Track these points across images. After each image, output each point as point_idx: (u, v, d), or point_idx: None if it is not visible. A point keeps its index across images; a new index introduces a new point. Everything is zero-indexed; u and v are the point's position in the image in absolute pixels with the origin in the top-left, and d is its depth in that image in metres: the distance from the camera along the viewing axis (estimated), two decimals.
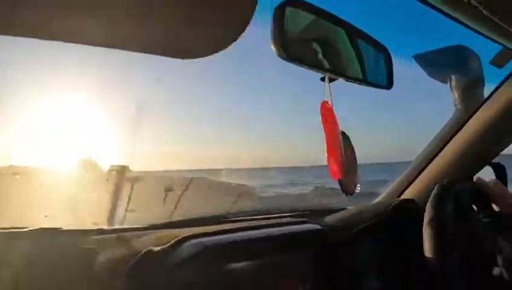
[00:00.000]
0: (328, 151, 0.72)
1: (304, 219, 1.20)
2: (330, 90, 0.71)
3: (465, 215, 1.00)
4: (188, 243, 0.92)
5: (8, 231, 0.89)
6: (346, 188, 0.76)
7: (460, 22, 0.96)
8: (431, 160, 1.37)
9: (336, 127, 0.73)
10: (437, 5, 0.86)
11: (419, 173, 1.40)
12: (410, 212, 1.17)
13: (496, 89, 1.27)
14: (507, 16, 0.90)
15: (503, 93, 1.25)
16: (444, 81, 1.36)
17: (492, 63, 1.18)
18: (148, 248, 0.87)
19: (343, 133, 0.76)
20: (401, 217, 1.16)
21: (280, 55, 0.60)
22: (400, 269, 1.17)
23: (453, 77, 1.34)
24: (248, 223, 1.16)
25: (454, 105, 1.35)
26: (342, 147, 0.73)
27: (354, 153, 0.79)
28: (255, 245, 1.02)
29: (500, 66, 1.20)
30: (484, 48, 1.29)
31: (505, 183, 1.37)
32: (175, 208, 1.89)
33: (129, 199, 1.58)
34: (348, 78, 0.73)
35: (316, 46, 0.67)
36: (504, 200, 1.08)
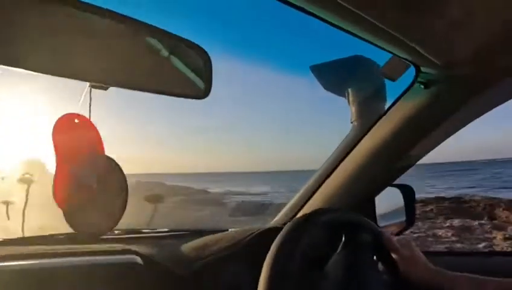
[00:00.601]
0: (59, 172, 0.57)
1: (132, 249, 1.03)
2: (90, 100, 0.56)
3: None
4: None
5: None
6: (78, 227, 0.60)
7: (347, 32, 0.85)
8: (324, 181, 1.23)
9: (89, 146, 0.58)
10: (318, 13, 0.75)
11: (313, 194, 1.26)
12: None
13: (394, 103, 1.14)
14: (397, 21, 0.80)
15: (400, 109, 1.12)
16: (341, 94, 1.23)
17: (383, 74, 1.04)
18: None
19: (109, 159, 0.61)
20: (262, 246, 1.00)
21: None
22: None
23: (350, 90, 1.21)
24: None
25: (351, 122, 1.21)
26: (89, 174, 0.58)
27: (123, 194, 0.64)
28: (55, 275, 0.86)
29: (393, 79, 1.06)
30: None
31: (414, 205, 1.25)
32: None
33: None
34: (125, 87, 0.59)
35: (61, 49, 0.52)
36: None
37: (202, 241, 1.13)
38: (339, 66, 1.22)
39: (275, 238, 0.86)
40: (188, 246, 1.11)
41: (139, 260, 0.97)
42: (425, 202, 12.46)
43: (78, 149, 0.59)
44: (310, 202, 1.27)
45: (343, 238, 0.94)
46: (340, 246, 0.94)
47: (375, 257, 0.98)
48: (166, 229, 1.28)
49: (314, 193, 1.26)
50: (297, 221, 0.85)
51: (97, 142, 0.61)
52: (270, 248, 0.85)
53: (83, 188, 0.60)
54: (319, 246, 1.04)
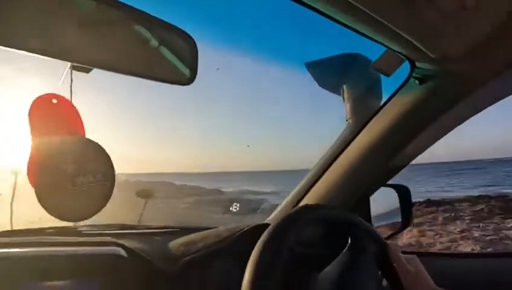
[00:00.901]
0: (34, 155, 0.54)
1: (116, 242, 1.01)
2: (71, 81, 0.54)
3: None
4: None
5: None
6: (52, 211, 0.58)
7: (342, 24, 0.83)
8: (318, 179, 1.20)
9: (67, 128, 0.56)
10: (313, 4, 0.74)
11: (307, 193, 1.24)
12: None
13: (389, 99, 1.12)
14: (393, 15, 0.79)
15: (395, 105, 1.10)
16: (336, 91, 1.21)
17: (376, 68, 1.02)
18: None
19: (91, 142, 0.59)
20: (250, 243, 0.97)
21: None
22: None
23: (345, 87, 1.19)
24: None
25: (346, 119, 1.19)
26: (66, 158, 0.56)
27: (111, 179, 0.61)
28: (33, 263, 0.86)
29: (387, 74, 1.04)
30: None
31: (410, 206, 1.23)
32: None
33: None
34: (107, 68, 0.57)
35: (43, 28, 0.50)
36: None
37: (189, 238, 1.11)
38: (333, 63, 1.20)
39: (261, 235, 0.84)
40: (175, 243, 1.09)
41: (122, 252, 0.95)
42: (472, 201, 12.15)
43: (54, 130, 0.56)
44: (304, 200, 1.24)
45: (349, 241, 0.91)
46: (346, 248, 0.91)
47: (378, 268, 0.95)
48: (156, 225, 1.26)
49: (308, 191, 1.24)
50: (285, 216, 0.82)
51: (77, 123, 0.59)
52: (255, 244, 0.82)
53: (58, 171, 0.57)
54: (308, 243, 1.01)
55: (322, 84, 1.21)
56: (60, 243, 0.95)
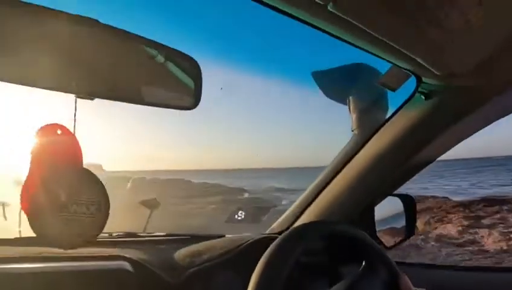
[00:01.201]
0: (29, 179, 0.57)
1: (122, 255, 1.03)
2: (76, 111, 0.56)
3: None
4: None
5: None
6: (40, 233, 0.60)
7: (349, 43, 0.85)
8: (322, 190, 1.22)
9: (66, 159, 0.58)
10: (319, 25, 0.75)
11: (311, 203, 1.25)
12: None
13: (394, 113, 1.12)
14: (398, 34, 0.80)
15: (401, 119, 1.11)
16: (342, 102, 1.21)
17: (382, 83, 1.03)
18: None
19: (88, 173, 0.61)
20: (256, 256, 0.99)
21: None
22: None
23: (351, 98, 1.20)
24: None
25: (352, 130, 1.20)
26: (60, 184, 0.58)
27: (105, 210, 0.63)
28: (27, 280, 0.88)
29: (393, 89, 1.05)
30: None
31: (414, 215, 1.24)
32: None
33: None
34: (110, 98, 0.59)
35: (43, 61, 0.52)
36: None
37: (195, 248, 1.13)
38: (340, 74, 1.20)
39: (267, 247, 0.85)
40: (180, 253, 1.11)
41: (128, 266, 0.97)
42: None
43: (53, 159, 0.59)
44: (308, 211, 1.26)
45: (363, 264, 0.91)
46: (360, 271, 0.91)
47: None
48: (162, 234, 1.28)
49: (312, 201, 1.25)
50: (292, 232, 0.84)
51: (76, 154, 0.61)
52: (260, 257, 0.84)
53: (51, 199, 0.59)
54: (312, 253, 1.03)
55: (329, 94, 1.22)
56: (65, 257, 0.97)
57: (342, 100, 1.22)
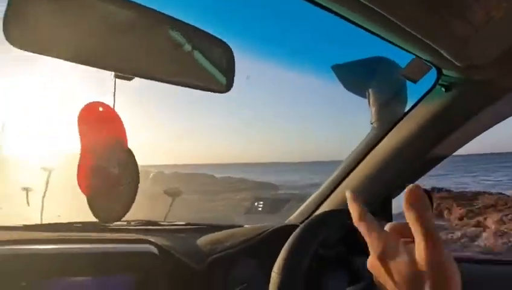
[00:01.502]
0: (83, 159, 0.60)
1: (148, 239, 1.06)
2: (115, 90, 0.59)
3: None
4: None
5: None
6: (98, 213, 0.63)
7: (369, 31, 0.87)
8: (342, 181, 1.24)
9: (112, 135, 0.61)
10: (341, 12, 0.77)
11: (331, 193, 1.27)
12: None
13: (414, 105, 1.14)
14: (422, 24, 0.82)
15: (421, 111, 1.12)
16: (362, 95, 1.24)
17: (404, 75, 1.05)
18: None
19: (129, 150, 0.64)
20: (276, 244, 1.02)
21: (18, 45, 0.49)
22: None
23: (371, 91, 1.22)
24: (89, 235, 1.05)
25: (371, 123, 1.22)
26: (111, 162, 0.61)
27: (135, 183, 0.66)
28: (60, 261, 0.91)
29: (414, 81, 1.07)
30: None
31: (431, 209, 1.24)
32: None
33: None
34: (149, 78, 0.62)
35: (87, 37, 0.55)
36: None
37: (216, 236, 1.15)
38: (360, 67, 1.22)
39: (288, 236, 0.88)
40: (202, 240, 1.13)
41: (154, 249, 1.00)
42: None
43: (101, 138, 0.62)
44: (327, 201, 1.28)
45: None
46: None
47: None
48: (182, 223, 1.30)
49: (332, 192, 1.27)
50: (314, 219, 0.86)
51: (120, 131, 0.64)
52: (282, 245, 0.87)
53: (105, 177, 0.63)
54: (333, 246, 1.05)
55: (348, 87, 1.24)
56: (93, 240, 1.01)
57: (362, 93, 1.24)
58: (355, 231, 0.97)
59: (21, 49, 0.50)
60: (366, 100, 1.23)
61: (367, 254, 0.56)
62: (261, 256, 1.05)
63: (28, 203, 1.68)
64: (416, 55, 0.99)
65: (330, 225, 0.85)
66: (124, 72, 0.59)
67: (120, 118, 0.63)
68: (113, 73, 0.59)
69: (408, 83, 1.18)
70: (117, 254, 0.98)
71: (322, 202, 1.29)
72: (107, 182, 0.63)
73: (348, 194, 0.59)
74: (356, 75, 1.24)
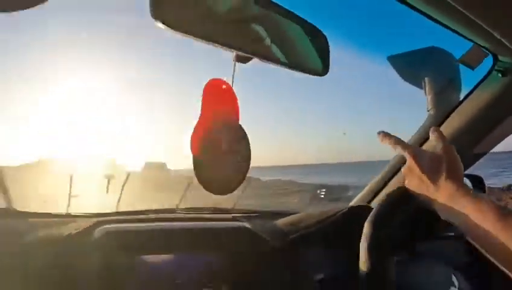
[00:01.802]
0: (199, 127, 0.67)
1: (241, 220, 1.14)
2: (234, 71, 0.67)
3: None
4: (102, 229, 0.93)
5: None
6: (208, 185, 0.69)
7: (431, 18, 0.93)
8: (400, 168, 1.30)
9: (228, 112, 0.69)
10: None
11: (389, 180, 1.33)
12: (361, 220, 1.12)
13: (469, 93, 1.20)
14: (481, 11, 0.87)
15: (476, 98, 1.19)
16: (418, 84, 1.30)
17: (462, 62, 1.12)
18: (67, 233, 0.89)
19: (241, 128, 0.72)
20: (350, 224, 1.08)
21: (166, 23, 0.56)
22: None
23: (427, 79, 1.28)
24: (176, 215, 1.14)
25: (427, 110, 1.28)
26: (226, 137, 0.69)
27: (248, 161, 0.73)
28: (169, 236, 0.99)
29: (472, 67, 1.13)
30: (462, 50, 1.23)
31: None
32: None
33: None
34: (265, 59, 0.69)
35: (215, 18, 0.63)
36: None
37: (291, 219, 1.22)
38: (415, 57, 1.29)
39: (360, 215, 0.95)
40: (280, 222, 1.20)
41: (248, 225, 1.09)
42: None
43: (218, 111, 0.69)
44: (388, 187, 1.34)
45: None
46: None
47: None
48: (247, 209, 1.37)
49: (390, 179, 1.34)
50: (392, 199, 0.92)
51: (235, 109, 0.71)
52: (355, 224, 0.94)
53: (215, 147, 0.69)
54: (397, 232, 1.11)
55: (405, 77, 1.31)
56: (197, 218, 1.09)
57: (418, 83, 1.30)
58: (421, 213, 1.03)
59: (168, 28, 0.56)
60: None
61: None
62: (337, 235, 1.12)
63: (107, 190, 1.78)
64: (473, 41, 1.05)
65: (408, 202, 0.90)
66: (245, 52, 0.66)
67: (236, 98, 0.70)
68: (234, 56, 0.66)
69: (463, 69, 1.25)
70: (218, 230, 1.06)
71: (381, 189, 1.35)
72: (215, 151, 0.70)
73: (379, 135, 0.90)
74: (411, 65, 1.30)
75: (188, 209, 1.30)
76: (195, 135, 0.67)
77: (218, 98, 0.69)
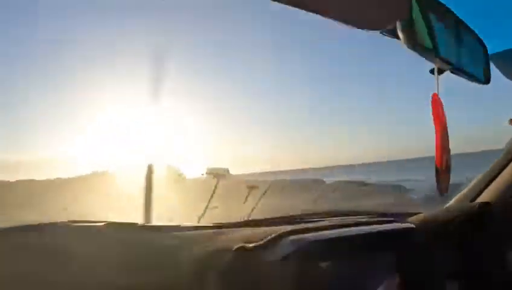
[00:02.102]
0: (438, 145, 0.67)
1: (391, 219, 1.15)
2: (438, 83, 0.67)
3: None
4: (288, 239, 0.90)
5: (83, 224, 0.89)
6: (441, 187, 0.70)
7: None
8: (507, 165, 1.27)
9: (445, 121, 0.68)
10: None
11: (499, 174, 1.30)
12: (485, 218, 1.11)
13: None
14: None
15: None
16: None
17: None
18: (240, 245, 0.85)
19: None
20: (477, 222, 1.09)
21: (408, 44, 0.56)
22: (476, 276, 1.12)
23: None
24: (329, 222, 1.11)
25: None
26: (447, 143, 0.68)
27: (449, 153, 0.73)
28: (354, 242, 1.00)
29: None
30: None
31: None
32: None
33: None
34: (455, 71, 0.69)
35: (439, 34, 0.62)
36: None
37: (424, 218, 1.21)
38: None
39: (485, 213, 0.95)
40: (414, 220, 1.19)
41: (406, 227, 1.11)
42: None
43: (443, 122, 0.69)
44: (492, 185, 1.31)
45: None
46: None
47: None
48: (376, 211, 1.39)
49: (495, 177, 1.31)
50: None
51: (444, 119, 0.71)
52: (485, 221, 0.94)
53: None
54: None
55: (509, 75, 1.27)
56: (350, 224, 1.08)
57: None
58: None
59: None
60: None
61: None
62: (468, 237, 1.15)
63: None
64: None
65: None
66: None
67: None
68: (436, 70, 0.66)
69: None
70: (389, 233, 1.08)
71: (486, 186, 1.32)
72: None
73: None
74: None
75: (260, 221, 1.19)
76: (438, 150, 0.67)
77: (438, 111, 0.69)
